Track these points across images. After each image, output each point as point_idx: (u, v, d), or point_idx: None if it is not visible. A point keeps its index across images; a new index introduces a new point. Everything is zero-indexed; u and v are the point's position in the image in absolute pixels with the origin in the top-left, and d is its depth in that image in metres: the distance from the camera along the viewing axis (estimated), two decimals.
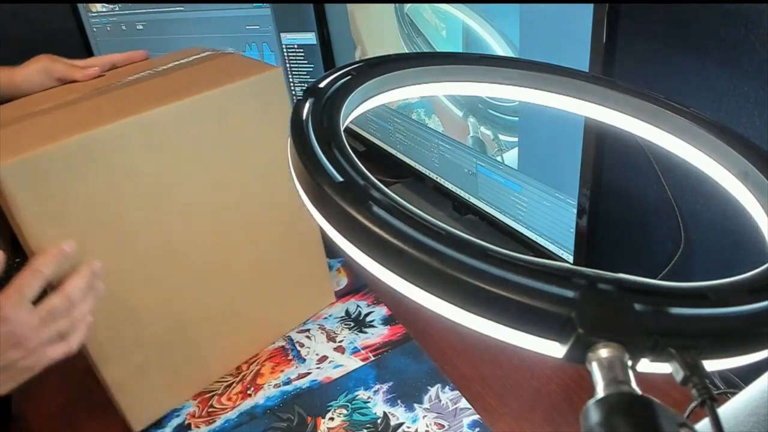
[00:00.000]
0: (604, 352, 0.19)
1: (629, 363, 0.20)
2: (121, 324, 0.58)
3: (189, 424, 0.64)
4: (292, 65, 1.11)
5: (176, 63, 0.67)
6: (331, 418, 0.62)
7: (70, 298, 0.52)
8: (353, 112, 0.32)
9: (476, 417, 0.61)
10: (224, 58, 0.67)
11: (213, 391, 0.68)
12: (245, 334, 0.71)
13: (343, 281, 0.83)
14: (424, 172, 0.92)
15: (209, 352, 0.68)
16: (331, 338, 0.73)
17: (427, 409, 0.62)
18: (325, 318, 0.76)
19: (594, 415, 0.19)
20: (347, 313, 0.77)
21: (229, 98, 0.59)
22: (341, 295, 0.80)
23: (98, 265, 0.55)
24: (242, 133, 0.61)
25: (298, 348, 0.72)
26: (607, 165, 0.60)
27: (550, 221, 0.69)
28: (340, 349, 0.71)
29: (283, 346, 0.73)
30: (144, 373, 0.62)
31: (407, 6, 0.78)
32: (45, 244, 0.52)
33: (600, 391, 0.19)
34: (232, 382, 0.69)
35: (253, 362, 0.71)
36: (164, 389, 0.65)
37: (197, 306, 0.64)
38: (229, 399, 0.66)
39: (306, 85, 0.90)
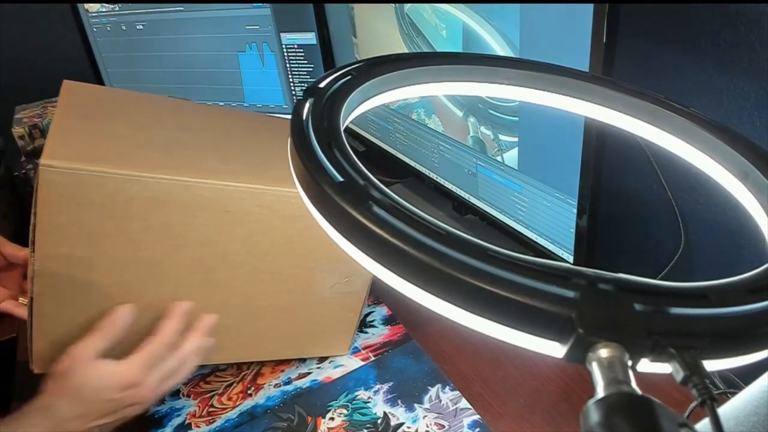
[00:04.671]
0: (604, 352, 0.19)
1: (629, 363, 0.20)
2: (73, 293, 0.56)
3: (189, 424, 0.64)
4: (292, 65, 1.11)
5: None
6: (332, 418, 0.63)
7: (166, 341, 0.57)
8: (353, 112, 0.32)
9: (476, 417, 0.61)
10: None
11: (213, 390, 0.68)
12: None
13: None
14: (424, 172, 0.92)
15: None
16: None
17: (428, 409, 0.62)
18: None
19: (594, 415, 0.19)
20: None
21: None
22: None
23: (187, 305, 0.58)
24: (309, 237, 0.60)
25: None
26: (607, 165, 0.60)
27: (550, 221, 0.69)
28: None
29: None
30: (77, 322, 0.57)
31: (407, 6, 0.78)
32: (52, 253, 0.52)
33: (600, 391, 0.19)
34: (233, 382, 0.68)
35: (254, 362, 0.71)
36: None
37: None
38: (230, 399, 0.66)
39: (306, 85, 0.91)
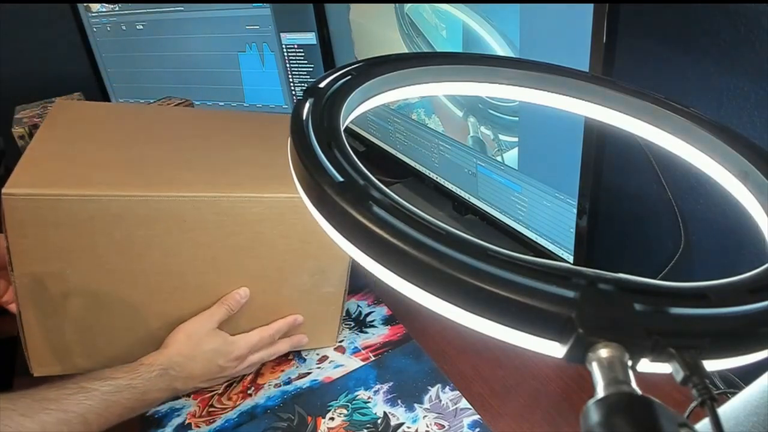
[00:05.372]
0: (604, 352, 0.19)
1: (629, 363, 0.19)
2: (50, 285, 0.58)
3: (189, 424, 0.64)
4: (292, 65, 1.11)
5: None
6: (332, 418, 0.62)
7: (273, 335, 0.66)
8: (353, 112, 0.32)
9: (476, 417, 0.61)
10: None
11: (213, 390, 0.68)
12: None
13: None
14: (424, 172, 0.92)
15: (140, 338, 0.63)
16: None
17: (428, 409, 0.62)
18: None
19: (594, 415, 0.19)
20: (347, 313, 0.77)
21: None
22: None
23: (301, 319, 0.67)
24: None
25: None
26: (607, 165, 0.60)
27: (550, 221, 0.69)
28: (340, 349, 0.71)
29: None
30: (62, 329, 0.60)
31: (407, 6, 0.78)
32: (27, 270, 0.55)
33: (600, 391, 0.19)
34: (233, 382, 0.68)
35: None
36: (77, 352, 0.62)
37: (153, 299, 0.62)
38: (230, 399, 0.66)
39: (306, 85, 0.91)
